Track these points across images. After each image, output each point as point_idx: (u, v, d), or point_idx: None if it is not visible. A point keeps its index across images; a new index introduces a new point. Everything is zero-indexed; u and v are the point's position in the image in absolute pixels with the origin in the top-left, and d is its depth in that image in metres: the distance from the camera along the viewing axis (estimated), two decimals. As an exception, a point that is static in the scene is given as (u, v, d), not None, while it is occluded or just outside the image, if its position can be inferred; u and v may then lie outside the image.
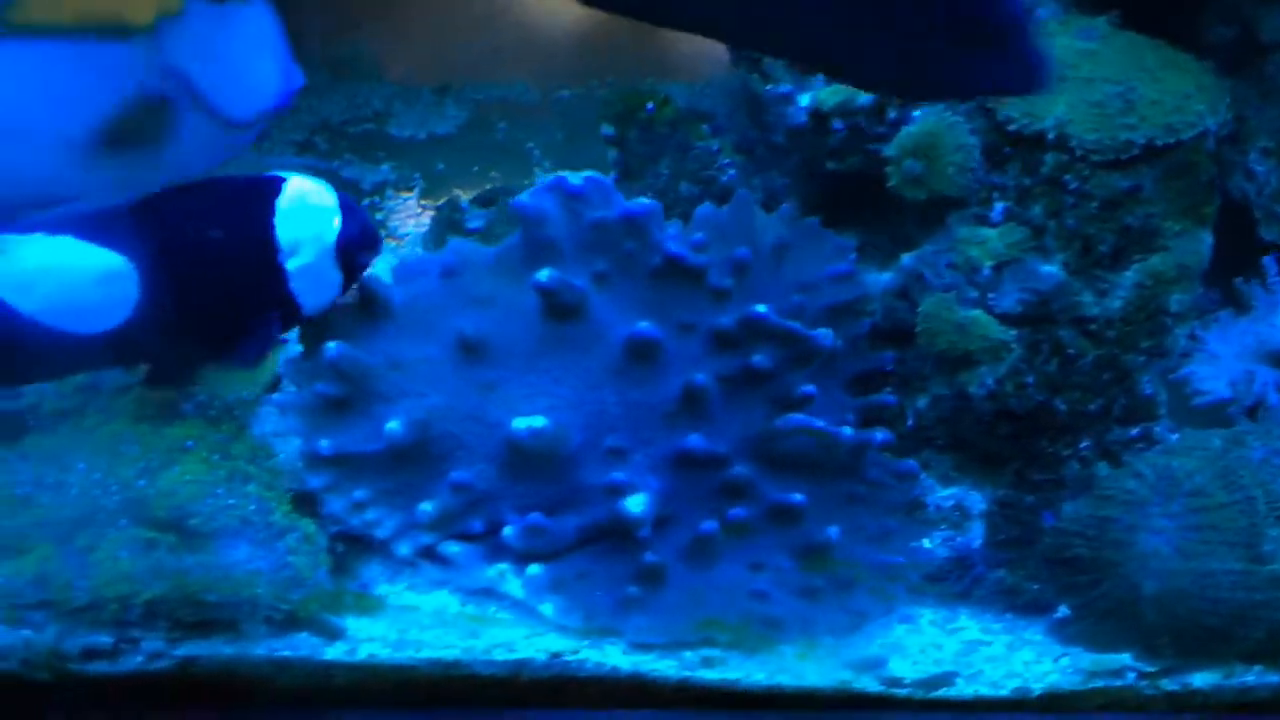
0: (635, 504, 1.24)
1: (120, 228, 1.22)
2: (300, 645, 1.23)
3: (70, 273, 1.21)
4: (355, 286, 1.33)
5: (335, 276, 1.28)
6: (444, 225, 1.75)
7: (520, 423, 1.24)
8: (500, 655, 1.22)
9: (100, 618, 1.20)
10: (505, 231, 1.55)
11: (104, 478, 1.22)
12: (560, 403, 1.27)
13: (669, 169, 1.53)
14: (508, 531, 1.26)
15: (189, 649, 1.22)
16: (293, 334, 1.40)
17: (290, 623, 1.23)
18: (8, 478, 1.22)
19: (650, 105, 1.58)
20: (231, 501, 1.22)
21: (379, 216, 1.86)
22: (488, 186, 1.87)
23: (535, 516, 1.25)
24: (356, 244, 1.27)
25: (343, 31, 1.95)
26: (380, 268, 1.47)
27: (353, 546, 1.31)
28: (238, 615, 1.22)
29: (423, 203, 1.89)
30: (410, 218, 1.87)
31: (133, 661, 1.22)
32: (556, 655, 1.22)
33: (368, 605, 1.29)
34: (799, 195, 1.52)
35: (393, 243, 1.81)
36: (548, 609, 1.25)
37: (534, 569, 1.26)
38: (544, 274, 1.27)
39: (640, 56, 2.13)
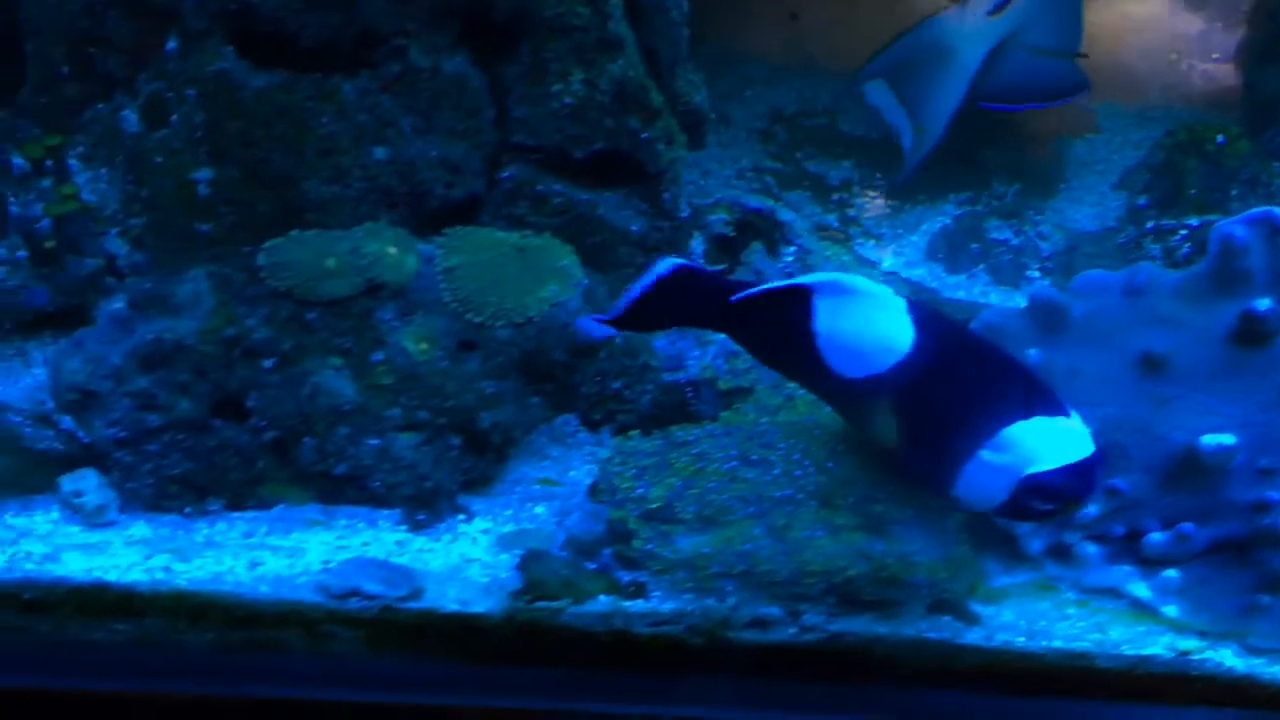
0: (1304, 522, 1.31)
1: (935, 326, 1.23)
2: (944, 628, 1.31)
3: (871, 318, 1.23)
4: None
5: (998, 496, 1.21)
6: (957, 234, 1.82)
7: (1209, 439, 1.31)
8: (1127, 650, 1.32)
9: (786, 593, 1.27)
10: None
11: (802, 458, 1.28)
12: (1229, 422, 1.33)
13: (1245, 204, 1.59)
14: (1156, 537, 1.34)
15: (842, 625, 1.30)
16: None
17: (938, 608, 1.32)
18: (720, 452, 1.28)
19: (1221, 138, 1.65)
20: (905, 491, 1.29)
21: (850, 213, 1.92)
22: (969, 193, 1.94)
23: (1187, 526, 1.33)
24: (1035, 490, 1.19)
25: (779, 23, 1.99)
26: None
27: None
28: (904, 598, 1.29)
29: (889, 203, 1.95)
30: (881, 217, 1.94)
31: (785, 633, 1.30)
32: (1184, 654, 1.32)
33: (993, 595, 1.37)
34: None
35: (871, 240, 1.89)
36: (1171, 610, 1.33)
37: (1171, 573, 1.34)
38: (1263, 303, 1.32)
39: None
